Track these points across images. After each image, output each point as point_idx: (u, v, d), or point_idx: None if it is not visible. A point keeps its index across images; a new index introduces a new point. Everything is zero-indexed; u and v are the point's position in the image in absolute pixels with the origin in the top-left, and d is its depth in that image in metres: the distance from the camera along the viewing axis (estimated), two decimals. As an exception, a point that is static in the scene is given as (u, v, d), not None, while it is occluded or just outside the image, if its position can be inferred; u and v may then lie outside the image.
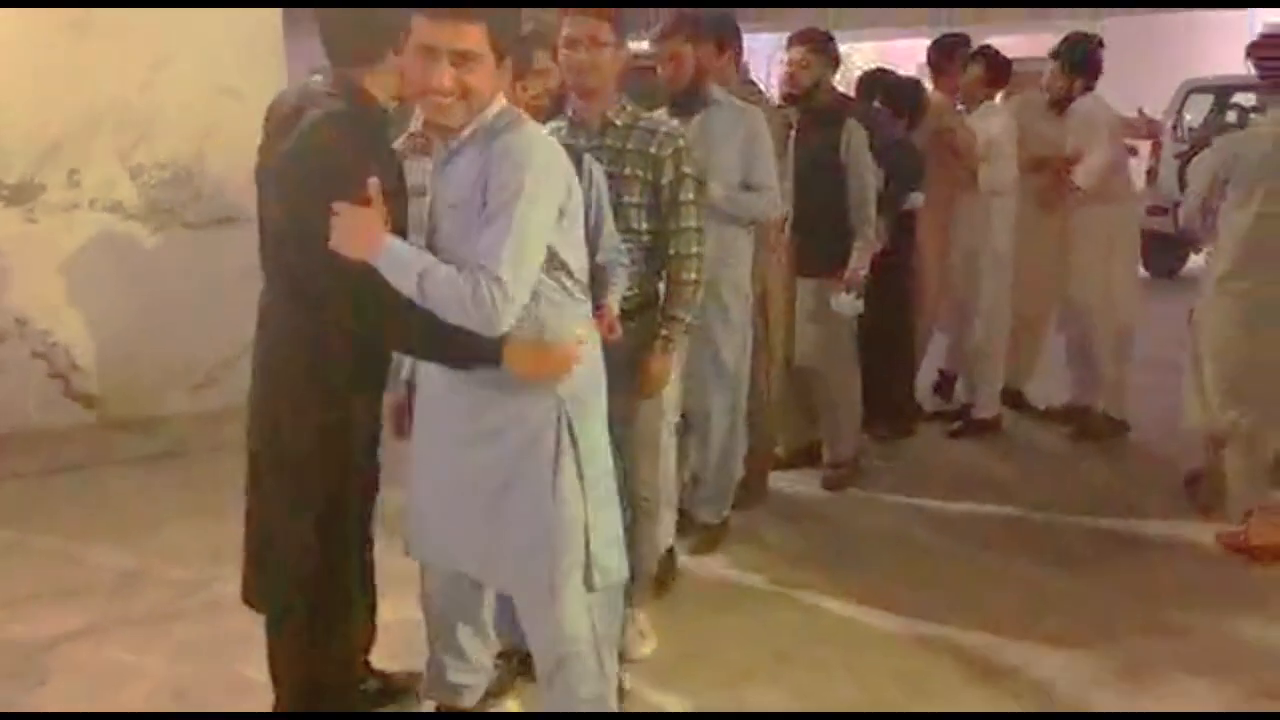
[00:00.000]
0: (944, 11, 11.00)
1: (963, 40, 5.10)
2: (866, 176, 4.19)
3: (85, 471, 4.59)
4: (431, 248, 2.21)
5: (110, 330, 4.93)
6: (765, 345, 4.02)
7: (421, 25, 2.07)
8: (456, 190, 2.16)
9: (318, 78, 2.43)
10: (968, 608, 3.46)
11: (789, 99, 4.32)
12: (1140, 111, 5.06)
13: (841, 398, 4.42)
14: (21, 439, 4.68)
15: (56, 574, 3.66)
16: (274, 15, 5.18)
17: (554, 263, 2.20)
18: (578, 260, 2.28)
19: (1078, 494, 4.45)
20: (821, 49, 4.30)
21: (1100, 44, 5.02)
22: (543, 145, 2.16)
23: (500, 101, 2.19)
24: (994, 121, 4.94)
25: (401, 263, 2.09)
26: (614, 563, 2.35)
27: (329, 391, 2.35)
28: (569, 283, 2.27)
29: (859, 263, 4.18)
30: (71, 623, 3.33)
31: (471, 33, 2.07)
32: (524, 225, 2.06)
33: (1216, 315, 3.88)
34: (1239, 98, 9.51)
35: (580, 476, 2.27)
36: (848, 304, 4.19)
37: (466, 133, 2.16)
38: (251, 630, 2.62)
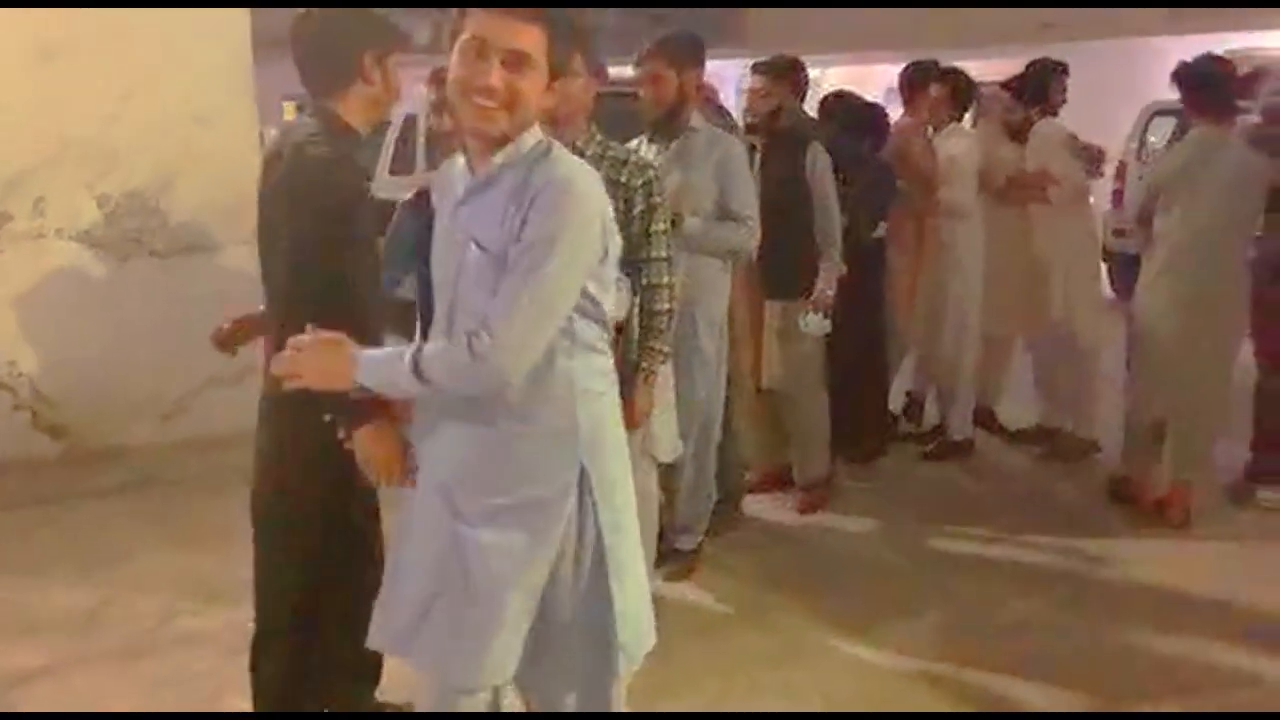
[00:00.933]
0: (915, 36, 11.14)
1: (932, 66, 5.15)
2: (831, 199, 4.19)
3: (51, 505, 4.52)
4: (456, 292, 1.97)
5: (77, 360, 4.88)
6: (735, 371, 4.03)
7: (476, 17, 1.87)
8: (485, 229, 1.90)
9: (290, 103, 2.53)
10: (942, 631, 3.47)
11: (751, 127, 4.35)
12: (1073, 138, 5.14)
13: (809, 420, 4.43)
14: (-13, 472, 4.62)
15: (20, 610, 3.60)
16: (244, 43, 5.18)
17: (590, 310, 1.97)
18: (610, 307, 2.03)
19: (1050, 515, 4.47)
20: (781, 77, 4.32)
21: (1062, 71, 5.10)
22: (587, 181, 1.92)
23: (537, 131, 1.95)
24: (955, 142, 4.98)
25: (383, 367, 1.91)
26: (634, 644, 2.06)
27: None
28: (602, 332, 2.03)
29: (826, 284, 4.19)
30: (36, 659, 3.26)
31: (530, 33, 1.86)
32: (553, 280, 1.84)
33: (1150, 311, 4.26)
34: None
35: (602, 559, 2.00)
36: (816, 324, 4.21)
37: (499, 160, 1.91)
38: (223, 663, 2.59)
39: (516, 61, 1.85)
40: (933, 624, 3.52)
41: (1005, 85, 5.20)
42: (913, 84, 5.13)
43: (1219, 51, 4.32)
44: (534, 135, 1.93)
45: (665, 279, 2.99)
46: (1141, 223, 4.30)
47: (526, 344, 1.85)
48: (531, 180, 1.87)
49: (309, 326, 2.00)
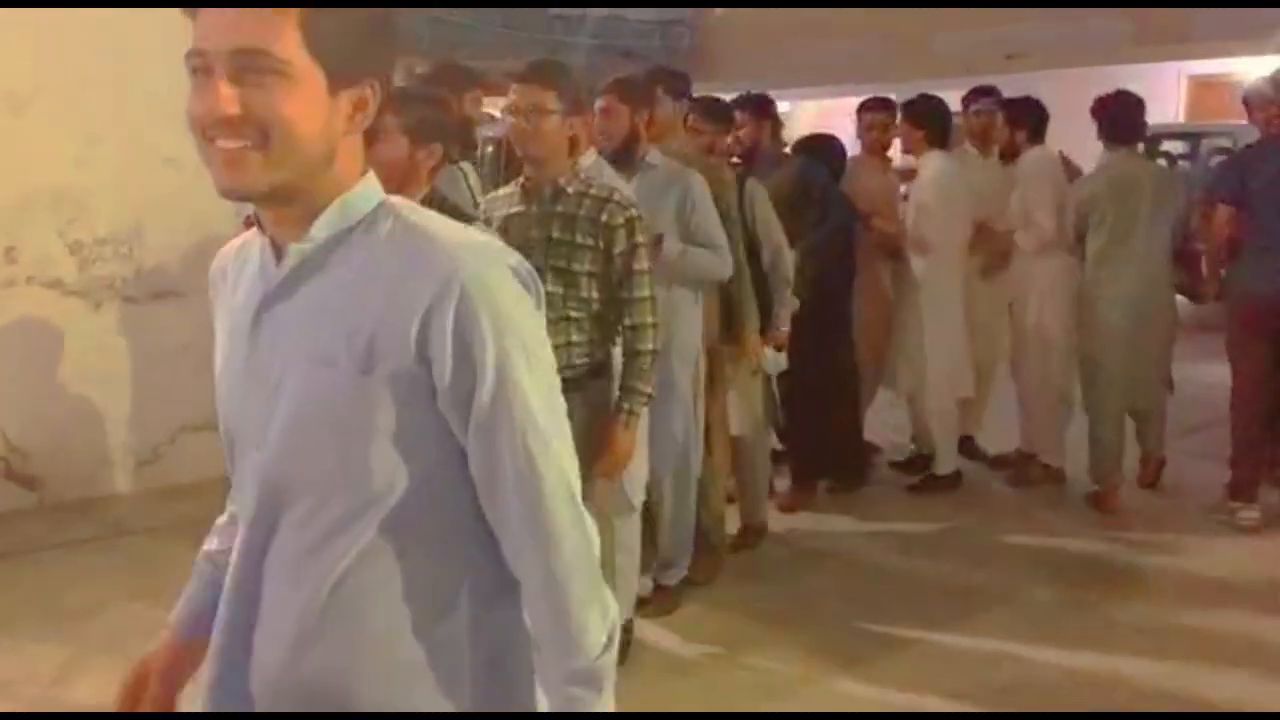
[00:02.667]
0: (883, 69, 11.27)
1: (888, 99, 5.18)
2: (775, 234, 4.12)
3: (23, 556, 4.43)
4: (275, 445, 1.24)
5: (50, 409, 4.82)
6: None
7: (196, 23, 1.16)
8: (321, 337, 1.21)
9: None
10: (926, 662, 3.45)
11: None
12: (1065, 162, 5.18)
13: (756, 465, 4.37)
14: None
15: (-8, 665, 3.53)
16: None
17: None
18: None
19: (1031, 543, 4.46)
20: (714, 115, 4.28)
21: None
22: (494, 254, 1.24)
23: (368, 179, 1.25)
24: (925, 167, 4.89)
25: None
26: None
27: None
28: None
29: (780, 321, 4.13)
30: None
31: (268, 25, 1.13)
32: (552, 394, 1.27)
33: (1092, 319, 4.74)
34: (1167, 145, 9.88)
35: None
36: (773, 362, 4.16)
37: (319, 233, 1.22)
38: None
39: (254, 67, 1.13)
40: (917, 655, 3.50)
41: (1001, 105, 5.18)
42: (862, 114, 5.16)
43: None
44: (369, 192, 1.25)
45: (649, 319, 2.95)
46: (1077, 240, 4.74)
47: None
48: (388, 264, 1.20)
49: None
